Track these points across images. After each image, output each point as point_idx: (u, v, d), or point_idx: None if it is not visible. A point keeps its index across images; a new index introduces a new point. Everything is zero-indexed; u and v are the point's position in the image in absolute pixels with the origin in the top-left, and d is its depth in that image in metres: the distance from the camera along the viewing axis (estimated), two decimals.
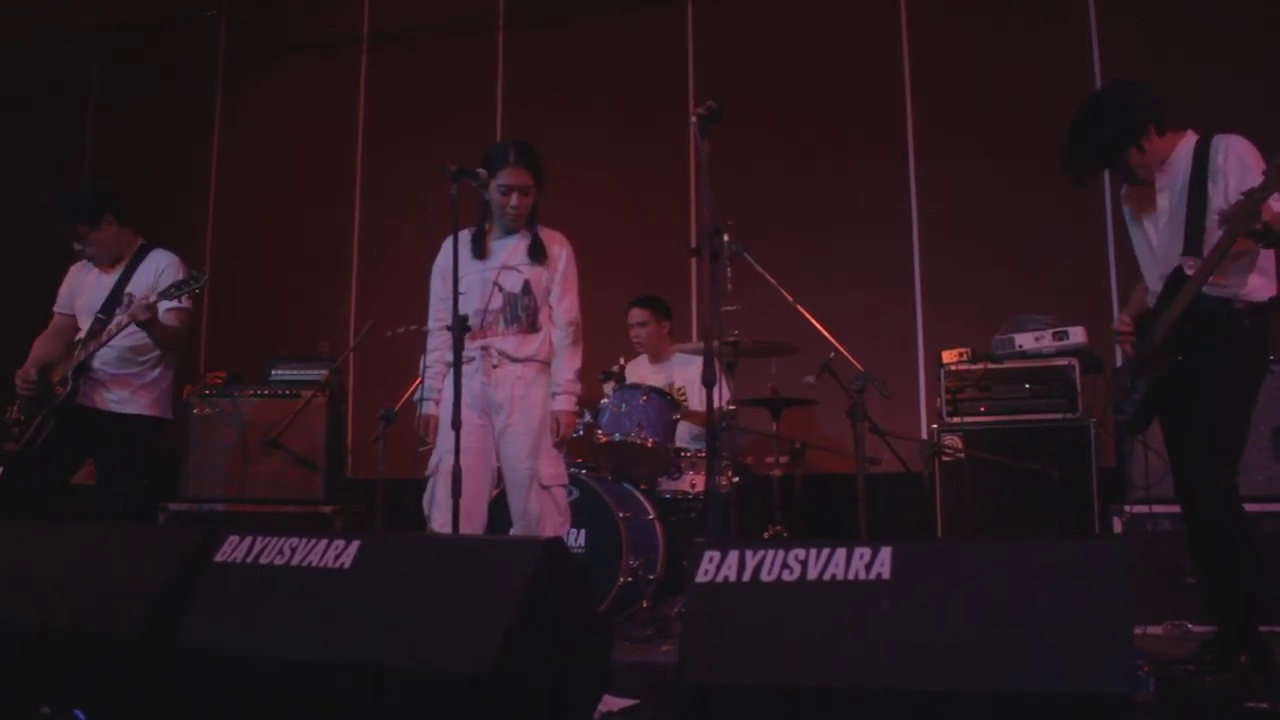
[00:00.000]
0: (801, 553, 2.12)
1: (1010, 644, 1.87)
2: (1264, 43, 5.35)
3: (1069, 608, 1.85)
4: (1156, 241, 3.35)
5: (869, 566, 2.04)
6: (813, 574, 2.08)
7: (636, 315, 5.43)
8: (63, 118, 7.71)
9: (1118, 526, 4.33)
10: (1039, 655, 1.84)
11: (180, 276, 4.13)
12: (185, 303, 4.25)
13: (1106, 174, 5.46)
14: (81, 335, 4.26)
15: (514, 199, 3.78)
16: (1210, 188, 3.16)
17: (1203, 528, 3.29)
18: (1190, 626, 4.05)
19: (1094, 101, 3.38)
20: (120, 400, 4.24)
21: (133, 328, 4.07)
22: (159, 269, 4.27)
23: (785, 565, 2.11)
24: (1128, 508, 4.32)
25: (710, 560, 2.19)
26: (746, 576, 2.14)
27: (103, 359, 4.22)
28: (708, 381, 2.92)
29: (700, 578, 2.18)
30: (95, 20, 7.43)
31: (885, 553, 2.05)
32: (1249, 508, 3.34)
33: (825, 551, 2.10)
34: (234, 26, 7.56)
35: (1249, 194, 2.94)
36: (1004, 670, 1.86)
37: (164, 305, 4.16)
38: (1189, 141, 3.27)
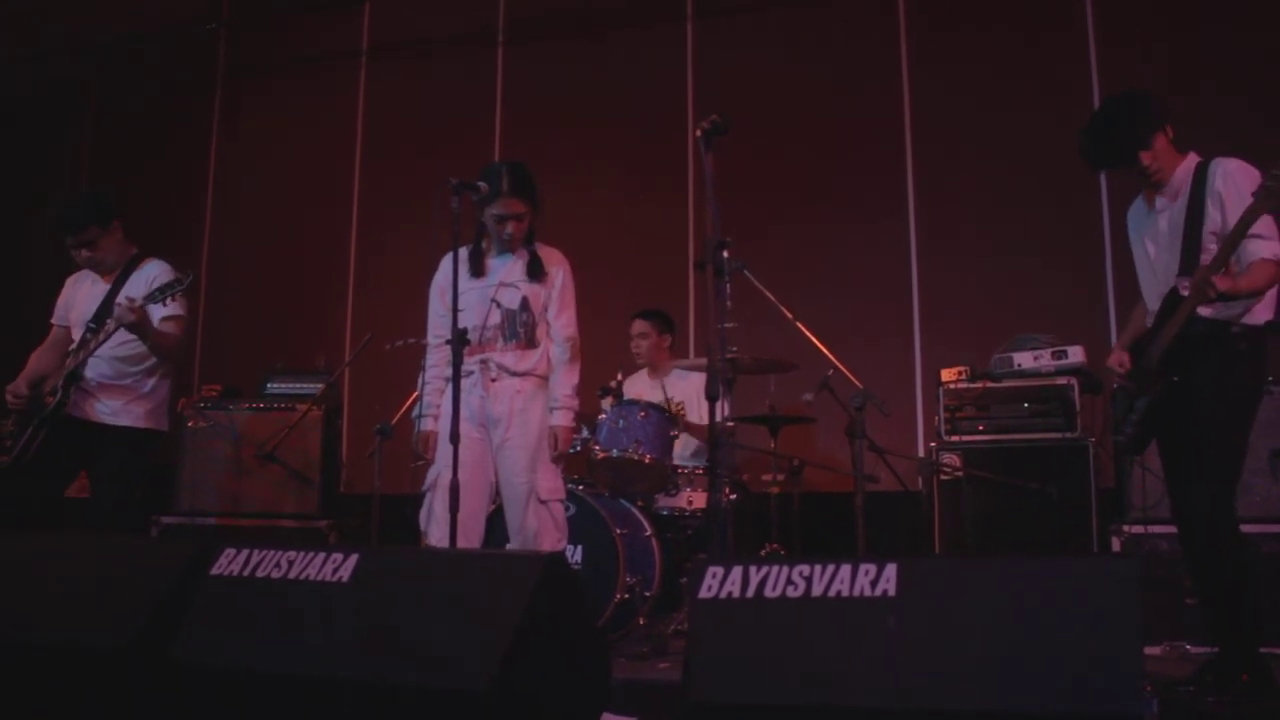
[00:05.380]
0: (806, 569, 2.10)
1: (1017, 663, 1.86)
2: (1261, 56, 5.37)
3: (1077, 627, 1.84)
4: (1156, 261, 3.37)
5: (874, 583, 2.03)
6: (817, 590, 2.07)
7: (638, 327, 5.43)
8: (59, 131, 7.69)
9: (1116, 546, 4.32)
10: (1046, 674, 1.83)
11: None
12: (180, 309, 4.22)
13: (1105, 194, 5.54)
14: (74, 346, 4.23)
15: (509, 227, 3.80)
16: (1209, 207, 3.19)
17: (1200, 549, 3.28)
18: (1189, 647, 4.03)
19: (1117, 95, 3.42)
20: (113, 412, 4.20)
21: (122, 334, 4.03)
22: (150, 278, 4.20)
23: (790, 581, 2.09)
24: (1126, 528, 4.31)
25: (713, 576, 2.18)
26: (750, 593, 2.12)
27: (95, 369, 4.18)
28: (711, 396, 2.91)
29: (703, 594, 2.17)
30: (93, 33, 7.42)
31: (890, 569, 2.04)
32: (1248, 528, 3.33)
33: (830, 568, 2.08)
34: (233, 41, 7.56)
35: (1202, 270, 3.07)
36: (1011, 689, 1.85)
37: (157, 313, 4.13)
38: (1190, 163, 3.31)
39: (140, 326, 3.99)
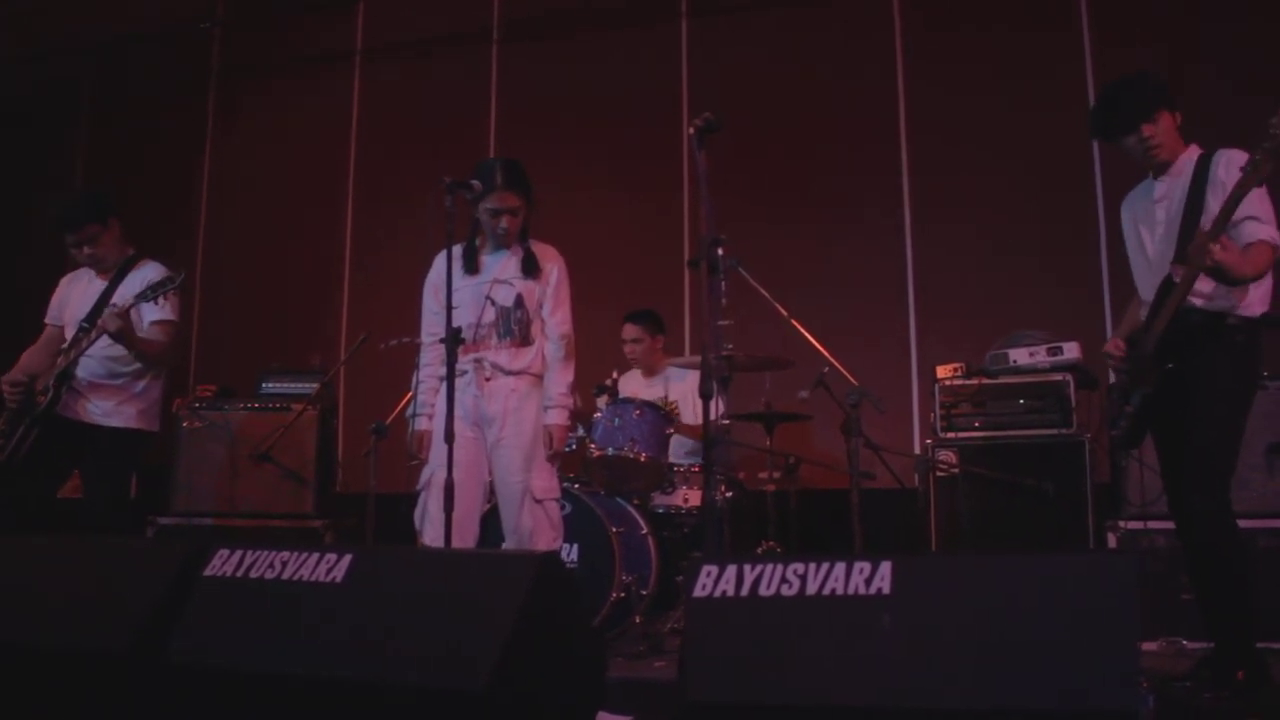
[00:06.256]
0: (800, 567, 2.09)
1: (1014, 660, 1.85)
2: (1258, 51, 5.37)
3: (1074, 623, 1.83)
4: (1154, 251, 3.36)
5: (869, 581, 2.02)
6: (812, 589, 2.06)
7: (629, 331, 5.42)
8: (54, 131, 7.67)
9: (1112, 542, 4.31)
10: (1043, 671, 1.82)
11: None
12: (171, 314, 4.21)
13: (1100, 192, 5.54)
14: (65, 345, 4.22)
15: (503, 221, 3.79)
16: (1209, 197, 3.18)
17: (1199, 545, 3.27)
18: (1185, 643, 4.03)
19: (1122, 77, 3.41)
20: (105, 412, 4.18)
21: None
22: (145, 280, 4.19)
23: (784, 579, 2.08)
24: (1122, 523, 4.31)
25: (708, 575, 2.17)
26: (745, 591, 2.11)
27: (87, 368, 4.16)
28: (705, 394, 2.90)
29: (698, 592, 2.16)
30: (89, 33, 7.40)
31: (885, 567, 2.03)
32: (1244, 523, 3.33)
33: (825, 566, 2.08)
34: (227, 41, 7.54)
35: (1201, 236, 3.03)
36: (1007, 687, 1.84)
37: (148, 315, 4.12)
38: (1192, 154, 3.31)
39: (124, 334, 3.97)
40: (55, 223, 4.24)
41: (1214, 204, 3.16)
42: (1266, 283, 3.20)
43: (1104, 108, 3.38)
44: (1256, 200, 3.08)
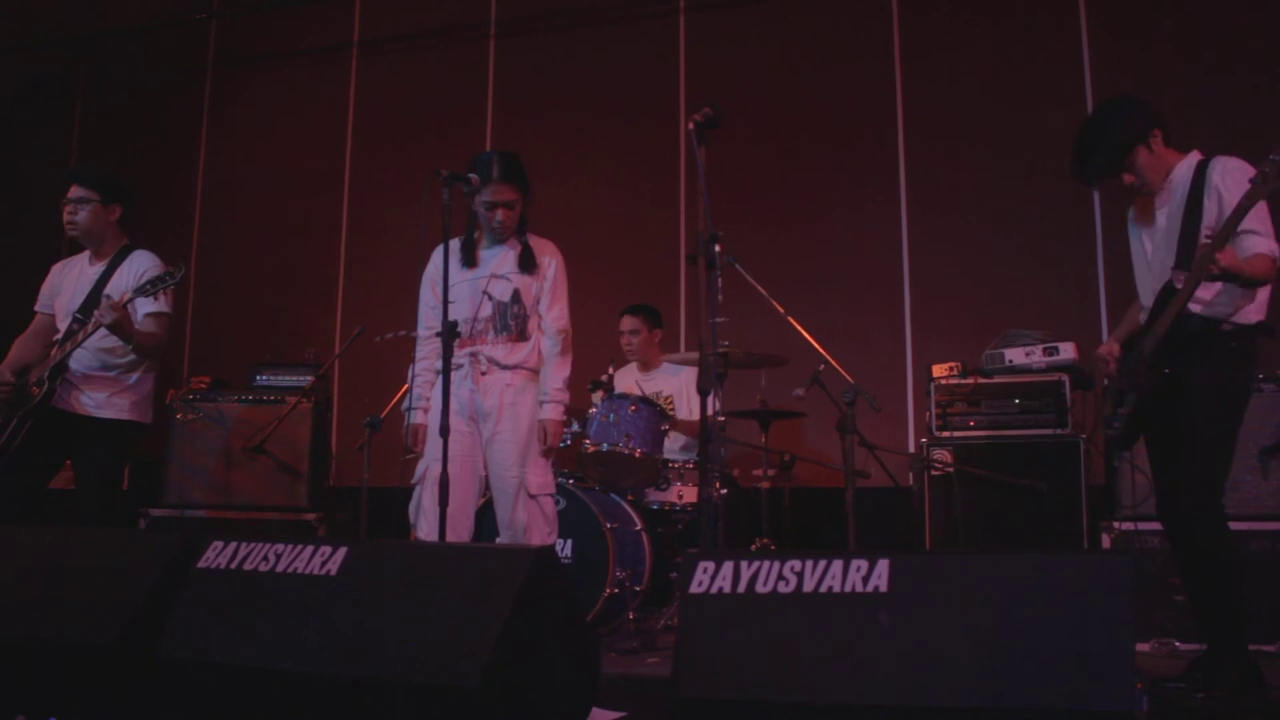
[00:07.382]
0: (797, 564, 2.09)
1: (1010, 659, 1.85)
2: (1258, 49, 5.37)
3: (1070, 623, 1.83)
4: (1153, 256, 3.37)
5: (866, 579, 2.02)
6: (809, 586, 2.06)
7: (628, 323, 5.41)
8: (48, 121, 7.64)
9: (1106, 543, 4.32)
10: (1038, 671, 1.82)
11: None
12: (165, 306, 4.19)
13: (1096, 191, 5.53)
14: (59, 336, 4.20)
15: (499, 214, 3.78)
16: (1206, 204, 3.19)
17: (1189, 548, 3.28)
18: (1178, 644, 4.04)
19: (1102, 106, 3.45)
20: (98, 404, 4.16)
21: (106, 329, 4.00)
22: (139, 272, 4.17)
23: (781, 576, 2.08)
24: (1116, 524, 4.31)
25: (704, 571, 2.16)
26: (741, 588, 2.11)
27: (80, 361, 4.14)
28: (703, 389, 2.90)
29: (694, 589, 2.15)
30: (83, 23, 7.37)
31: (882, 565, 2.03)
32: (1236, 526, 3.33)
33: (822, 563, 2.07)
34: (223, 31, 7.51)
35: (1208, 242, 3.05)
36: (1003, 686, 1.84)
37: (142, 308, 4.10)
38: (1191, 160, 3.32)
39: (121, 326, 3.95)
40: (69, 172, 4.26)
41: (1211, 209, 3.18)
42: (1264, 292, 3.21)
43: (1077, 159, 3.39)
44: (1256, 214, 3.09)
